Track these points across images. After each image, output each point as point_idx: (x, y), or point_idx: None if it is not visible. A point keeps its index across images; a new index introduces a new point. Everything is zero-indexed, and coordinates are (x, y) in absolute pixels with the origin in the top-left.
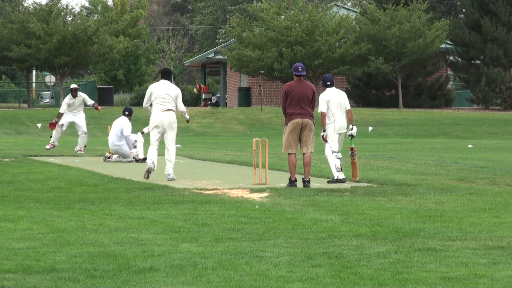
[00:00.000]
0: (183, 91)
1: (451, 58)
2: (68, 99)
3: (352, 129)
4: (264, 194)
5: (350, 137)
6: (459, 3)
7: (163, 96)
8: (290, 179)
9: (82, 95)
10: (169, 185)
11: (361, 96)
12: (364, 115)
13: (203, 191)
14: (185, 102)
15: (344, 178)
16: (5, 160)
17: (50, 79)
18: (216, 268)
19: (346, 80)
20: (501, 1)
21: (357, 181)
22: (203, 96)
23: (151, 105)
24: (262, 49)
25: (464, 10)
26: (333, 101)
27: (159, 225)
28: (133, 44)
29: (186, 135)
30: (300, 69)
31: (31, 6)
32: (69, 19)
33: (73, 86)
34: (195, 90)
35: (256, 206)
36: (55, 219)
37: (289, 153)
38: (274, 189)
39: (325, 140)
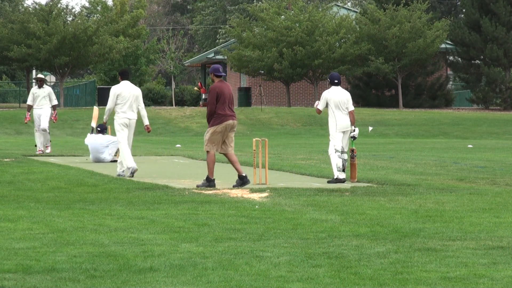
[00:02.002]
0: (183, 91)
1: (451, 58)
2: (33, 89)
3: (354, 130)
4: (264, 194)
5: (352, 139)
6: (459, 3)
7: (129, 98)
8: (209, 178)
9: (49, 89)
10: (169, 185)
11: (361, 96)
12: (364, 115)
13: (203, 191)
14: (185, 102)
15: (344, 178)
16: (5, 160)
17: (50, 79)
18: (216, 268)
19: (346, 80)
20: (501, 1)
21: (355, 182)
22: (203, 96)
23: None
24: (262, 49)
25: (464, 10)
26: (333, 100)
27: (159, 225)
28: (133, 44)
29: (186, 135)
30: (220, 70)
31: (31, 6)
32: (69, 19)
33: (40, 76)
34: (195, 88)
35: (256, 206)
36: (55, 219)
37: (209, 151)
38: (274, 189)
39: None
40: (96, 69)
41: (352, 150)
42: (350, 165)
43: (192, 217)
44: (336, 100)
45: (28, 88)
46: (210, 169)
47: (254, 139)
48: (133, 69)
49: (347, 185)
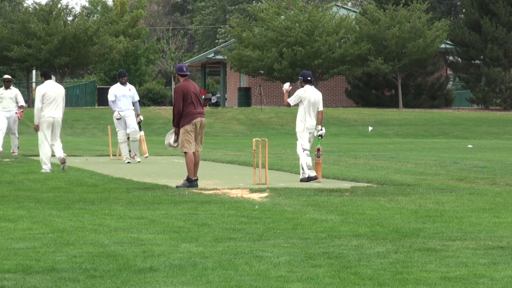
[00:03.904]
0: None
1: (451, 58)
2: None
3: (321, 129)
4: (264, 194)
5: (319, 138)
6: (459, 3)
7: (55, 97)
8: (189, 178)
9: (16, 90)
10: (169, 185)
11: (361, 96)
12: (364, 115)
13: (203, 191)
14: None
15: (315, 176)
16: (5, 160)
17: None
18: (216, 268)
19: (346, 80)
20: (501, 1)
21: (319, 182)
22: (203, 96)
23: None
24: (262, 49)
25: (464, 10)
26: (309, 100)
27: (159, 225)
28: (133, 44)
29: None
30: (184, 70)
31: (31, 6)
32: (69, 19)
33: (6, 76)
34: None
35: (256, 206)
36: (55, 219)
37: (186, 152)
38: (274, 189)
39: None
40: (96, 69)
41: (318, 149)
42: (315, 164)
43: (192, 217)
44: (312, 100)
45: (28, 88)
46: (190, 169)
47: (254, 139)
48: (133, 69)
49: (347, 185)
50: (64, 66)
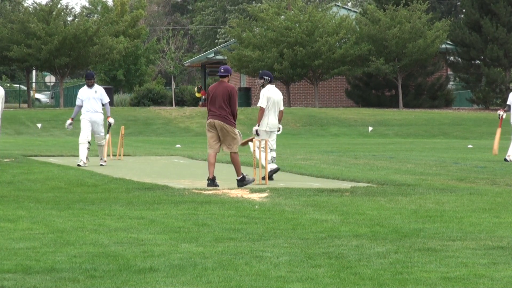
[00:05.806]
0: (183, 91)
1: (451, 58)
2: None
3: (279, 130)
4: (264, 194)
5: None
6: (459, 3)
7: None
8: (208, 177)
9: None
10: (169, 185)
11: (361, 96)
12: (364, 115)
13: (203, 191)
14: (185, 102)
15: (277, 168)
16: (5, 160)
17: (50, 79)
18: (216, 268)
19: (346, 80)
20: (502, 1)
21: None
22: (203, 96)
23: None
24: (262, 49)
25: (464, 10)
26: (273, 99)
27: (159, 225)
28: (133, 44)
29: (186, 135)
30: (222, 71)
31: (31, 6)
32: (69, 19)
33: None
34: (197, 94)
35: (256, 206)
36: (55, 219)
37: (209, 153)
38: (274, 189)
39: (257, 134)
40: (96, 69)
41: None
42: (252, 142)
43: (192, 217)
44: (276, 99)
45: (28, 88)
46: (208, 169)
47: (254, 139)
48: (133, 69)
49: (347, 185)
50: (64, 66)
